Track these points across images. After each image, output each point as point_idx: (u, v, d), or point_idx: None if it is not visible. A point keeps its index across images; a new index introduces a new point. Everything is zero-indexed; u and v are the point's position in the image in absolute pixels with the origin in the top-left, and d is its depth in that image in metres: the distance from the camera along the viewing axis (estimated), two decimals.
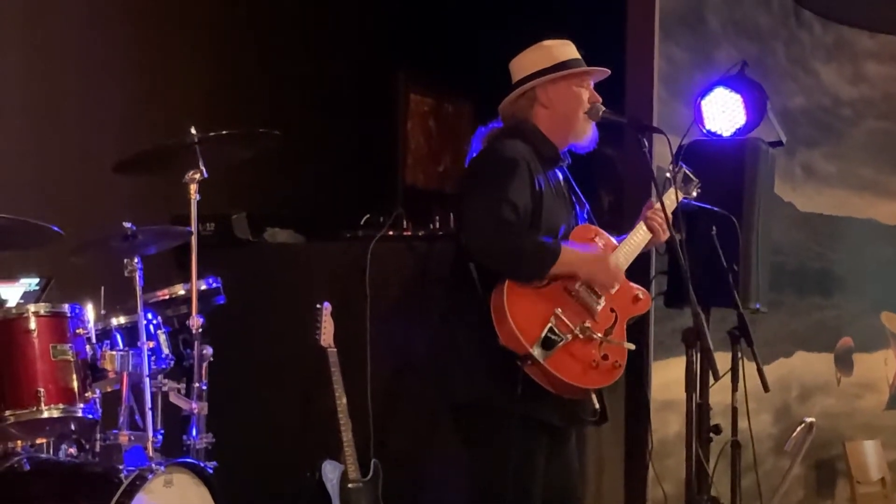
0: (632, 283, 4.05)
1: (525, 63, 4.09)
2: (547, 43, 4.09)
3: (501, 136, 4.04)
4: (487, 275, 3.86)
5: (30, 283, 4.42)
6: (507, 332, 3.78)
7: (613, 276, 3.96)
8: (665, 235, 4.11)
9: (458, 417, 4.03)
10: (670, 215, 4.09)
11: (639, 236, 4.11)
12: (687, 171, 4.31)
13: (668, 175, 4.29)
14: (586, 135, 4.08)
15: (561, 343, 3.81)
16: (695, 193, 4.35)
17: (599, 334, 3.89)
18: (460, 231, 3.94)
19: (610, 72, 4.13)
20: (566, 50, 4.08)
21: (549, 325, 3.81)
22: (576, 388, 3.86)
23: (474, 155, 4.05)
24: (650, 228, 4.11)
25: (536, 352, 3.77)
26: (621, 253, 4.05)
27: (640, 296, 4.05)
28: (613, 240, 4.09)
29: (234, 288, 4.69)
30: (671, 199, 4.19)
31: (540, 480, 3.94)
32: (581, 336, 3.85)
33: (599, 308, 3.93)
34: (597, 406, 3.98)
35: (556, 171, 4.09)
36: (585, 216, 4.15)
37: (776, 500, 5.74)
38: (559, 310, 3.84)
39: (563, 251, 3.87)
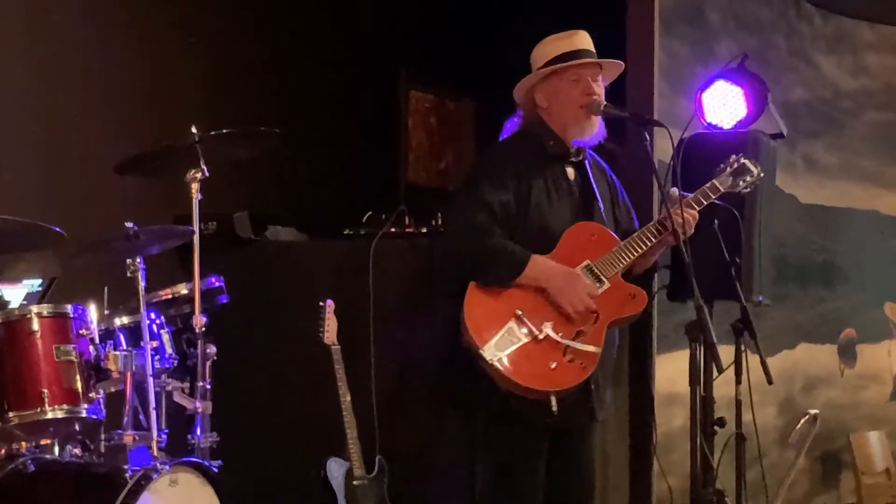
0: (626, 282, 4.00)
1: (532, 58, 4.08)
2: (550, 37, 4.07)
3: (511, 133, 4.05)
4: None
5: (33, 284, 4.43)
6: (465, 332, 3.79)
7: (581, 299, 3.86)
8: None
9: (457, 416, 4.04)
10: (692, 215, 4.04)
11: (636, 251, 3.99)
12: (747, 163, 4.22)
13: (728, 166, 4.20)
14: (589, 130, 4.04)
15: (517, 345, 3.78)
16: (742, 183, 4.24)
17: (562, 335, 3.84)
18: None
19: (598, 62, 4.06)
20: (563, 43, 4.03)
21: (508, 325, 3.79)
22: (530, 389, 3.82)
23: None
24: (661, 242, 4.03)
25: (487, 353, 3.76)
26: (604, 269, 3.94)
27: (635, 294, 4.00)
28: (616, 236, 4.05)
29: (237, 287, 4.69)
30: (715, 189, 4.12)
31: (538, 483, 3.93)
32: (540, 338, 3.82)
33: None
34: (555, 408, 3.82)
35: (567, 167, 4.07)
36: (604, 213, 4.09)
37: (781, 492, 5.73)
38: (520, 311, 3.81)
39: (532, 264, 3.83)
